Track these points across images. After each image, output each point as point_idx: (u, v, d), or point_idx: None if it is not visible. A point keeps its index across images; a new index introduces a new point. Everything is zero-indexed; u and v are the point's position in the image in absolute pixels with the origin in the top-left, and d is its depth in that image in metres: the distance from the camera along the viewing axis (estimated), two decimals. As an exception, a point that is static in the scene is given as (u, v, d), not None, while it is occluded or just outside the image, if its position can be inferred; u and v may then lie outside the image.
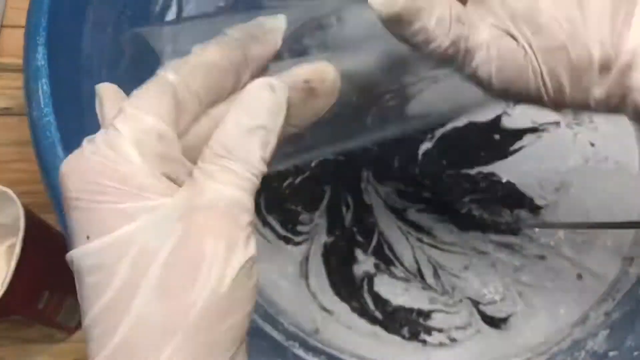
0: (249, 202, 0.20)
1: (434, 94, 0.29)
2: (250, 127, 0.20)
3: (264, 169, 0.21)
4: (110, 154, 0.19)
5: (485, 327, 0.43)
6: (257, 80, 0.21)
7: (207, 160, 0.20)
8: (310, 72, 0.23)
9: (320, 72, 0.23)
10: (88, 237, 0.18)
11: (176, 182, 0.20)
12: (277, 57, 0.24)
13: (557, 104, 0.25)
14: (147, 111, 0.20)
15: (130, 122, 0.19)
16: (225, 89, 0.22)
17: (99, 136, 0.19)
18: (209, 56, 0.22)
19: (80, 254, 0.18)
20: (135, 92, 0.21)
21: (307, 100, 0.23)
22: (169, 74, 0.21)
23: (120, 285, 0.18)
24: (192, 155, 0.21)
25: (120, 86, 0.22)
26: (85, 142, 0.20)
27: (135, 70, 0.38)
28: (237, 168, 0.20)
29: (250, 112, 0.21)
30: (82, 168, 0.19)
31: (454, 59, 0.25)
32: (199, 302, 0.18)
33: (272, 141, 0.21)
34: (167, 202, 0.19)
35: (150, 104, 0.20)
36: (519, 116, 0.48)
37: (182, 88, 0.21)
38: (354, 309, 0.44)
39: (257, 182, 0.20)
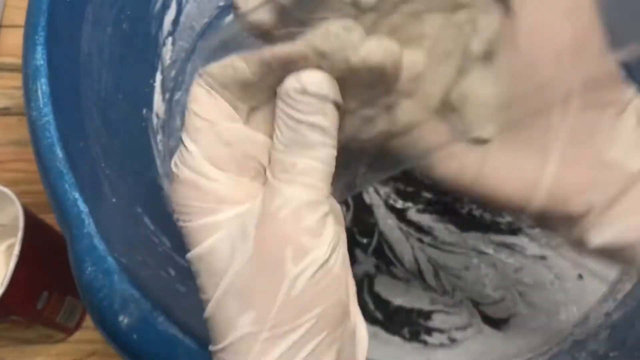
0: (319, 196, 0.20)
1: None
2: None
3: (332, 151, 0.20)
4: (189, 177, 0.20)
5: (485, 328, 0.43)
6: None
7: (277, 167, 0.20)
8: (382, 55, 0.20)
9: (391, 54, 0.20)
10: (188, 250, 0.21)
11: (259, 177, 0.21)
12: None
13: None
14: (213, 117, 0.20)
15: (199, 137, 0.20)
16: None
17: (178, 160, 0.21)
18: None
19: (187, 260, 0.21)
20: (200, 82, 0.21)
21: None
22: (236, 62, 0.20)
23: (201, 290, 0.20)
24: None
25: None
26: (173, 168, 0.21)
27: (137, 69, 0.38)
28: (305, 167, 0.20)
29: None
30: (174, 194, 0.21)
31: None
32: (273, 307, 0.19)
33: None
34: (243, 211, 0.20)
35: (213, 107, 0.20)
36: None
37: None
38: (354, 310, 0.44)
39: (330, 165, 0.20)
